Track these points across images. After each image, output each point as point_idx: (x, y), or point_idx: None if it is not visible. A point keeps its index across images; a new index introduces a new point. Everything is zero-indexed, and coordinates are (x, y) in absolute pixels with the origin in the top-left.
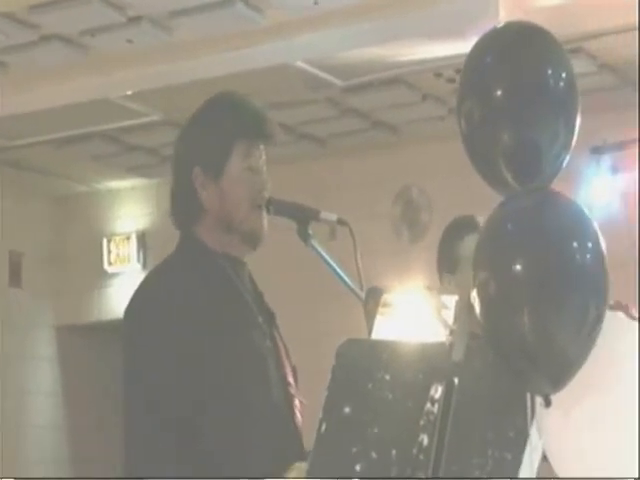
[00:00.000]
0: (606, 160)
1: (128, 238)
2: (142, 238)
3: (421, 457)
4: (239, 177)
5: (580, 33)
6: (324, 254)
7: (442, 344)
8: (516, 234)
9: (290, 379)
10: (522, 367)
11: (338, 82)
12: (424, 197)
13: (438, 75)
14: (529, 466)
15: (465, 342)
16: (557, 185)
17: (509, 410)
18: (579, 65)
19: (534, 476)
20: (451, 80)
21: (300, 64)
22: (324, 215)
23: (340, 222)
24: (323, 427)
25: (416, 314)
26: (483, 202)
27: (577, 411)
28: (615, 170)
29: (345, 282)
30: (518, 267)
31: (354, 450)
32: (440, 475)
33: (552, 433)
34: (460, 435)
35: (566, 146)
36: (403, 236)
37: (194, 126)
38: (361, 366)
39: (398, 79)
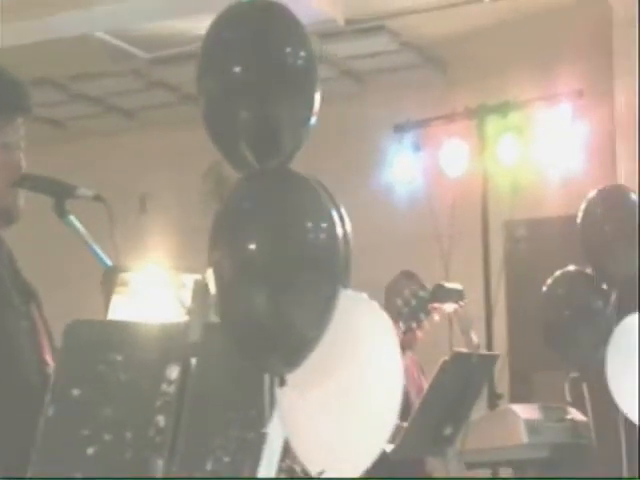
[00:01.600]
0: (409, 138)
1: None
2: None
3: (158, 439)
4: None
5: (382, 11)
6: (81, 231)
7: (179, 324)
8: (250, 213)
9: (49, 359)
10: (257, 347)
11: (142, 54)
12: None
13: None
14: (273, 445)
15: (202, 322)
16: (361, 163)
17: (250, 390)
18: (381, 43)
19: (278, 454)
20: None
21: (102, 35)
22: (81, 191)
23: (96, 198)
24: (51, 410)
25: (154, 294)
26: None
27: (313, 391)
28: (417, 147)
29: (102, 260)
30: (252, 246)
31: (85, 433)
32: (177, 456)
33: (289, 413)
34: (199, 416)
35: (305, 123)
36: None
37: None
38: (90, 347)
39: None
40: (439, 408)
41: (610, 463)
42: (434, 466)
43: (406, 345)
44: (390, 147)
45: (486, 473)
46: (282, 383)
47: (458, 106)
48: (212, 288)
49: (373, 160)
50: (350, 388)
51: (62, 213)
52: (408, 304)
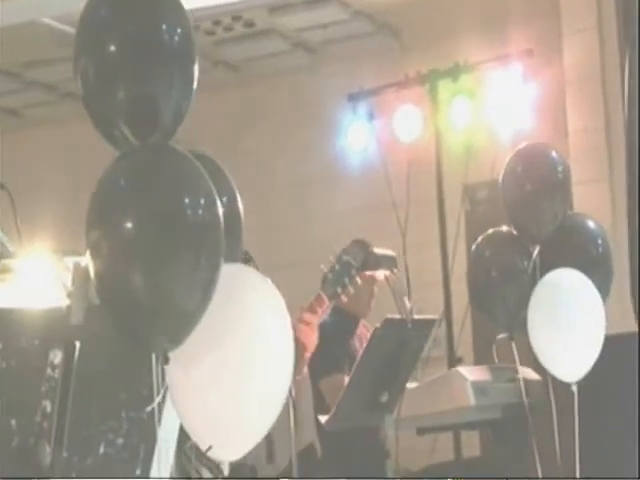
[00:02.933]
0: (362, 106)
1: None
2: None
3: (45, 424)
4: None
5: None
6: None
7: (60, 308)
8: (128, 190)
9: None
10: (137, 326)
11: None
12: None
13: (196, 27)
14: (168, 423)
15: (83, 305)
16: (315, 131)
17: (138, 369)
18: (332, 13)
19: (176, 433)
20: (210, 33)
21: (48, 21)
22: None
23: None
24: None
25: (37, 279)
26: None
27: (199, 367)
28: (371, 116)
29: (8, 250)
30: (129, 224)
31: None
32: (66, 441)
33: (176, 390)
34: (87, 399)
35: (185, 99)
36: None
37: None
38: None
39: None
40: (373, 375)
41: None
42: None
43: (359, 314)
44: (344, 117)
45: (447, 437)
46: (166, 361)
47: (411, 72)
48: (92, 270)
49: (328, 130)
50: (237, 362)
51: None
52: (332, 270)
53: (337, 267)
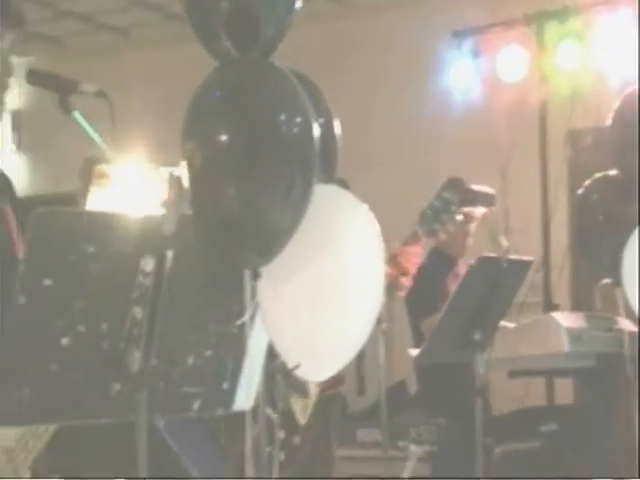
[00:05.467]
0: (467, 44)
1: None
2: (18, 117)
3: (134, 331)
4: None
5: None
6: (86, 126)
7: (154, 217)
8: (223, 103)
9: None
10: (229, 240)
11: None
12: None
13: None
14: (259, 339)
15: (177, 215)
16: (418, 67)
17: (231, 284)
18: None
19: (264, 350)
20: None
21: None
22: (84, 86)
23: (99, 94)
24: (22, 299)
25: (132, 186)
26: None
27: (289, 284)
28: (476, 54)
29: (102, 155)
30: (223, 137)
31: (59, 323)
32: (155, 350)
33: (266, 307)
34: (178, 310)
35: (286, 15)
36: None
37: None
38: (61, 238)
39: None
40: (466, 312)
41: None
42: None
43: (456, 254)
44: (448, 53)
45: (539, 383)
46: (257, 277)
47: (518, 12)
48: (186, 181)
49: (431, 66)
50: (328, 281)
51: (67, 109)
52: (431, 206)
53: (436, 204)
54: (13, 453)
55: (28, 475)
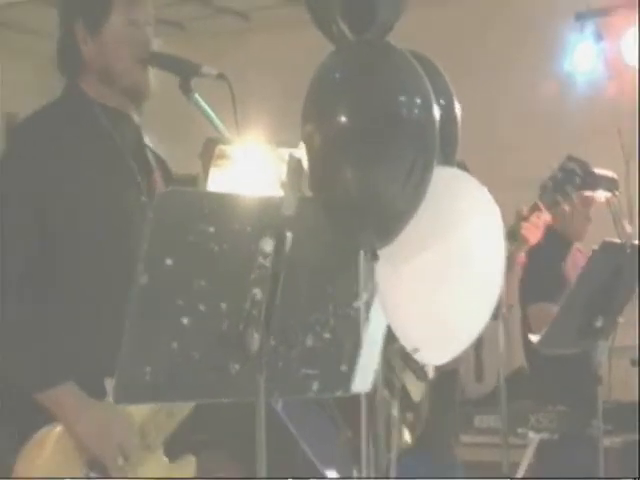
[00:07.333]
0: (590, 26)
1: None
2: None
3: (254, 311)
4: (120, 31)
5: None
6: (206, 109)
7: (273, 198)
8: (342, 85)
9: None
10: (348, 221)
11: None
12: None
13: None
14: (377, 322)
15: (296, 196)
16: (540, 50)
17: (349, 266)
18: None
19: (382, 333)
20: None
21: None
22: (205, 69)
23: (220, 76)
24: (144, 279)
25: (252, 167)
26: None
27: (408, 265)
28: (599, 36)
29: (221, 136)
30: (343, 119)
31: (180, 303)
32: (274, 331)
33: (385, 289)
34: (296, 291)
35: None
36: None
37: None
38: (180, 217)
39: None
40: (588, 299)
41: None
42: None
43: (574, 238)
44: (571, 35)
45: None
46: (374, 258)
47: None
48: (305, 162)
49: (553, 48)
50: (448, 264)
51: (188, 91)
52: (553, 177)
53: (559, 175)
54: (146, 428)
55: (161, 451)
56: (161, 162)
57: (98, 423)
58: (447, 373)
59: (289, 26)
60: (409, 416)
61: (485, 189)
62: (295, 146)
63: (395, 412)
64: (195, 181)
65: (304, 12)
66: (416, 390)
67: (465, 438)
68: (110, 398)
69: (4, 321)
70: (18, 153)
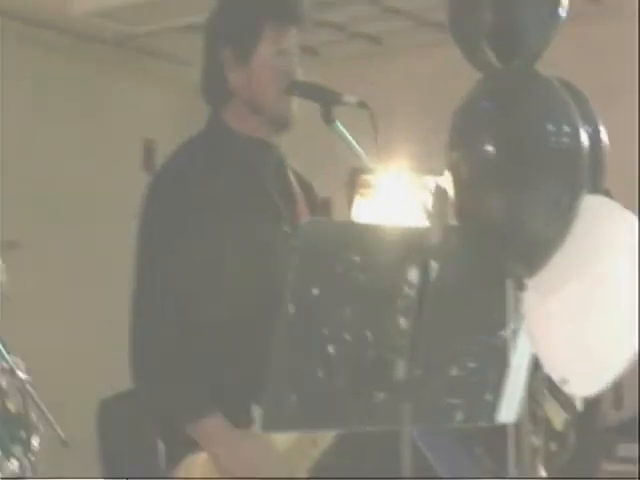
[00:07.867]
0: None
1: None
2: None
3: (399, 340)
4: (268, 60)
5: None
6: (347, 137)
7: (418, 227)
8: (489, 113)
9: None
10: (494, 249)
11: None
12: None
13: None
14: (522, 352)
15: (442, 225)
16: None
17: (493, 294)
18: None
19: (527, 363)
20: None
21: None
22: (346, 98)
23: (361, 105)
24: (292, 308)
25: (396, 196)
26: None
27: (555, 296)
28: None
29: (366, 165)
30: (489, 147)
31: (325, 332)
32: (419, 360)
33: (532, 319)
34: (441, 320)
35: (551, 21)
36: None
37: (225, 5)
38: (326, 247)
39: None
40: None
41: None
42: None
43: None
44: None
45: None
46: (521, 287)
47: None
48: (450, 191)
49: None
50: (594, 293)
51: (329, 120)
52: None
53: None
54: (289, 454)
55: (305, 476)
56: (306, 186)
57: (247, 456)
58: (590, 402)
59: (421, 49)
60: (552, 445)
61: (634, 216)
62: (440, 174)
63: (538, 441)
64: (328, 206)
65: (437, 35)
66: (558, 419)
67: (609, 467)
68: (257, 427)
69: (150, 353)
70: (162, 208)
